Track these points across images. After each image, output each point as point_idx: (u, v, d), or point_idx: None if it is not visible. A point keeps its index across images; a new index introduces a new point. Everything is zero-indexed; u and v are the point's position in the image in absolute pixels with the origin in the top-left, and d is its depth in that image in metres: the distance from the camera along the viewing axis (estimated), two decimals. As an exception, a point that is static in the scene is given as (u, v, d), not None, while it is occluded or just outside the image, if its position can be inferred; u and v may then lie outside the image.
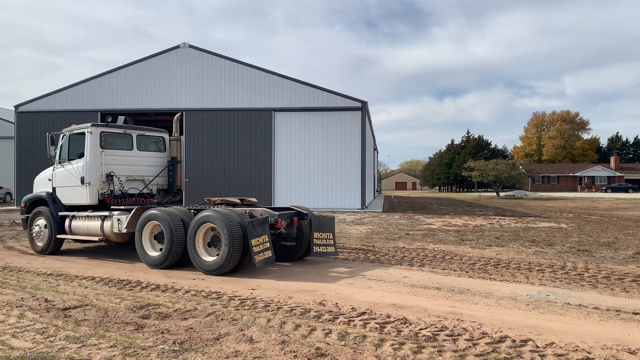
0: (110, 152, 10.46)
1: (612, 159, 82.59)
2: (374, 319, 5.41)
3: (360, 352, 4.38)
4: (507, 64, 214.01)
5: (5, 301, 6.26)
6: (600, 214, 23.91)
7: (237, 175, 24.60)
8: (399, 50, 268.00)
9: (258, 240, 7.87)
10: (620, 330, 5.07)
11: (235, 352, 4.40)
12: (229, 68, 25.11)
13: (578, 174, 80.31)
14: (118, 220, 9.53)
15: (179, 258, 8.63)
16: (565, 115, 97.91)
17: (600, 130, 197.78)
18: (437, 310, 5.84)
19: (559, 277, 7.87)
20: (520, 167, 56.48)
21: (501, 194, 54.12)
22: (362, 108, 24.11)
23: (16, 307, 5.98)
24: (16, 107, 26.45)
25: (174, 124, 11.63)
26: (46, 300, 6.27)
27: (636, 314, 5.69)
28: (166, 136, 11.60)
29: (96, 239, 10.00)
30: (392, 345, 4.55)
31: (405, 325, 5.15)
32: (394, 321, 5.30)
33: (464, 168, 60.24)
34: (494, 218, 20.22)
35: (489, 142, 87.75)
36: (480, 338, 4.74)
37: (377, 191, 56.93)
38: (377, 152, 58.66)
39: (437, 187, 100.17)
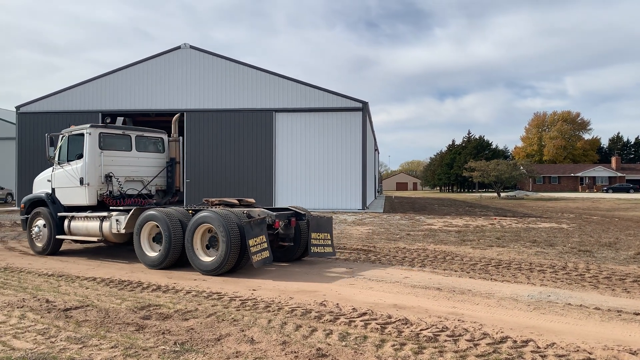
0: (109, 153, 10.48)
1: (613, 160, 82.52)
2: (375, 319, 5.41)
3: (361, 353, 4.38)
4: (508, 64, 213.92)
5: (6, 302, 6.27)
6: (601, 215, 23.88)
7: (238, 176, 24.61)
8: (399, 50, 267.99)
9: (256, 241, 7.89)
10: (621, 331, 5.06)
11: (236, 352, 4.40)
12: (230, 69, 25.14)
13: (579, 174, 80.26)
14: (117, 220, 9.56)
15: (177, 258, 8.66)
16: (566, 116, 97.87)
17: (602, 130, 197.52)
18: (438, 310, 5.84)
19: (560, 277, 7.86)
20: (521, 168, 56.45)
21: (502, 194, 54.08)
22: (363, 108, 24.11)
23: (17, 307, 5.99)
24: (17, 108, 26.50)
25: (172, 125, 11.65)
26: (47, 301, 6.28)
27: (637, 314, 5.68)
28: (165, 137, 11.62)
29: (95, 239, 10.03)
30: (393, 345, 4.55)
31: (406, 326, 5.15)
32: (395, 322, 5.30)
33: (465, 168, 60.24)
34: (495, 218, 20.21)
35: (490, 142, 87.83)
36: (481, 338, 4.73)
37: (378, 192, 56.92)
38: (378, 153, 58.66)
39: (438, 188, 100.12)
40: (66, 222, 10.54)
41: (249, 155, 24.60)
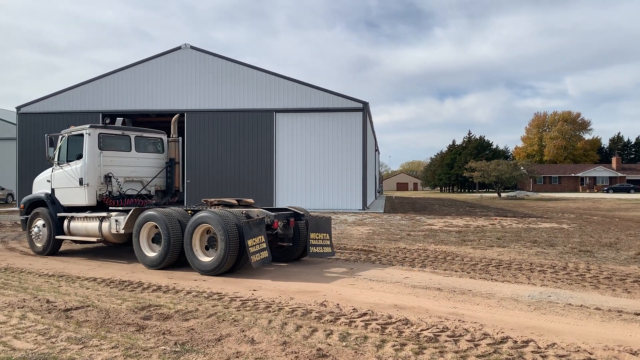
0: (108, 153, 10.49)
1: (614, 160, 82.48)
2: (376, 319, 5.41)
3: (361, 353, 4.38)
4: (508, 64, 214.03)
5: (7, 302, 6.27)
6: (601, 215, 23.87)
7: (238, 176, 24.62)
8: (400, 51, 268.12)
9: (254, 241, 7.90)
10: (622, 331, 5.06)
11: (237, 353, 4.40)
12: (230, 69, 25.15)
13: (580, 174, 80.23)
14: (116, 221, 9.57)
15: (176, 259, 8.67)
16: (567, 116, 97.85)
17: (602, 130, 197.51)
18: (439, 311, 5.84)
19: (560, 277, 7.86)
20: (522, 168, 56.41)
21: (503, 194, 54.06)
22: (363, 109, 24.11)
23: (18, 308, 5.99)
24: (18, 108, 26.52)
25: (172, 125, 11.66)
26: (48, 302, 6.28)
27: (638, 314, 5.67)
28: (164, 137, 11.63)
29: (94, 239, 10.05)
30: (394, 346, 4.55)
31: (406, 326, 5.15)
32: (395, 322, 5.30)
33: (465, 169, 60.20)
34: (496, 219, 20.20)
35: (491, 142, 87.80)
36: (482, 339, 4.73)
37: (379, 192, 56.92)
38: (379, 153, 58.66)
39: (439, 188, 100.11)
40: (66, 223, 10.55)
41: (249, 156, 24.60)
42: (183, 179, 23.28)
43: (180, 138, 11.75)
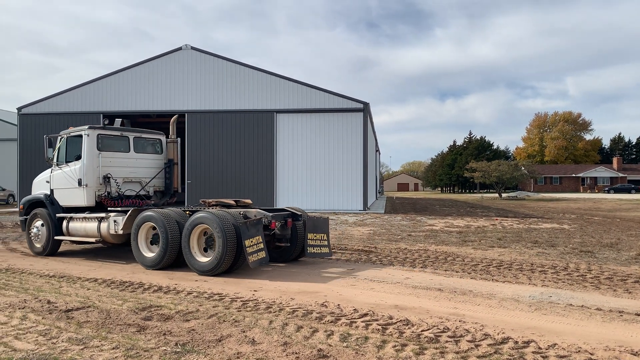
0: (107, 154, 10.52)
1: (615, 160, 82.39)
2: (376, 320, 5.40)
3: (362, 354, 4.38)
4: (508, 64, 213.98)
5: (8, 303, 6.28)
6: (602, 215, 23.85)
7: (239, 177, 24.62)
8: (400, 51, 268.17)
9: (252, 241, 7.92)
10: (623, 332, 5.05)
11: (238, 353, 4.40)
12: (231, 69, 25.16)
13: (580, 174, 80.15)
14: (114, 221, 9.60)
15: (174, 259, 8.70)
16: (568, 116, 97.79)
17: (603, 131, 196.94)
18: (440, 311, 5.84)
19: (561, 278, 7.85)
20: (523, 168, 56.38)
21: (503, 195, 54.03)
22: (364, 109, 24.11)
23: (19, 308, 6.00)
24: (19, 109, 26.54)
25: (170, 126, 11.70)
26: (49, 302, 6.29)
27: (639, 315, 5.67)
28: (163, 138, 11.66)
29: (93, 240, 10.08)
30: (394, 346, 4.55)
31: (407, 327, 5.15)
32: (396, 322, 5.30)
33: (466, 169, 60.14)
34: (496, 219, 20.19)
35: (491, 143, 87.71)
36: (483, 339, 4.73)
37: (379, 192, 56.90)
38: (379, 154, 58.63)
39: (440, 189, 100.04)
40: (64, 223, 10.57)
41: (250, 156, 24.61)
42: (183, 179, 23.31)
43: (179, 139, 11.78)
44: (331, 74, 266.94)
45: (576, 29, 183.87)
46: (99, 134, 10.44)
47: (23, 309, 5.99)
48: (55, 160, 10.93)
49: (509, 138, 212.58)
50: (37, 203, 11.20)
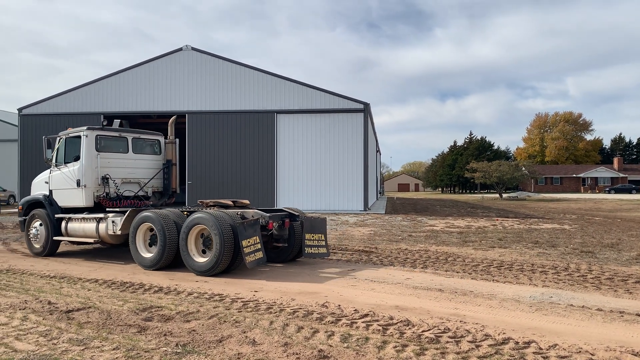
0: (105, 155, 10.54)
1: (616, 160, 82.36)
2: (377, 320, 5.40)
3: (362, 354, 4.38)
4: (509, 65, 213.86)
5: (8, 303, 6.28)
6: (603, 215, 23.83)
7: (239, 177, 24.63)
8: (400, 51, 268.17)
9: (249, 242, 7.93)
10: (623, 332, 5.05)
11: (238, 354, 4.40)
12: (231, 70, 25.18)
13: (581, 175, 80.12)
14: (113, 222, 9.62)
15: (172, 259, 8.72)
16: (568, 117, 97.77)
17: (603, 131, 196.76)
18: (440, 312, 5.83)
19: (562, 278, 7.85)
20: (523, 169, 56.37)
21: (504, 195, 54.01)
22: (365, 110, 24.12)
23: (19, 309, 6.00)
24: (19, 110, 26.57)
25: (169, 127, 11.70)
26: (49, 303, 6.29)
27: (640, 315, 5.67)
28: (161, 139, 11.67)
29: (91, 240, 10.10)
30: (395, 347, 4.55)
31: (408, 327, 5.14)
32: (396, 323, 5.30)
33: (466, 169, 60.13)
34: (497, 219, 20.18)
35: (492, 143, 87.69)
36: (483, 340, 4.73)
37: (380, 193, 56.89)
38: (380, 154, 58.63)
39: (440, 189, 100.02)
40: (63, 224, 10.59)
41: (250, 157, 24.62)
42: (183, 180, 23.31)
43: (177, 140, 11.80)
44: (331, 75, 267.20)
45: (577, 29, 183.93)
46: (97, 135, 10.46)
47: (24, 309, 5.99)
48: (54, 161, 10.96)
49: (509, 138, 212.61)
50: (36, 204, 11.22)
